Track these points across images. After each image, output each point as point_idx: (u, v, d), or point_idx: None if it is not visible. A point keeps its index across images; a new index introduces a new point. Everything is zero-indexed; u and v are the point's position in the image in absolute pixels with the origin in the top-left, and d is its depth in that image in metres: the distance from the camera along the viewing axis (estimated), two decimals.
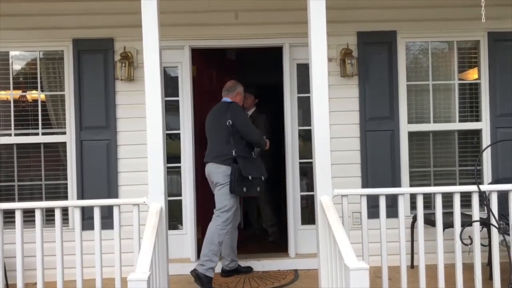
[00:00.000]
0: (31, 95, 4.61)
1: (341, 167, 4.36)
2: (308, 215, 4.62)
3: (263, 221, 5.54)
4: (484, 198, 3.19)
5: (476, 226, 3.18)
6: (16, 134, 4.55)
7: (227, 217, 3.96)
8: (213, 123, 4.20)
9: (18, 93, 4.59)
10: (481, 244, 3.24)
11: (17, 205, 3.14)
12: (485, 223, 3.61)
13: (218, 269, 4.11)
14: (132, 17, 3.92)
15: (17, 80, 4.63)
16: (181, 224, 4.66)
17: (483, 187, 3.20)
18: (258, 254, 4.66)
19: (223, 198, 3.99)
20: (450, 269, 3.21)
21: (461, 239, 3.09)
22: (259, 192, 4.09)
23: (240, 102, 4.29)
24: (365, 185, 4.50)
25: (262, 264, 4.51)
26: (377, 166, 4.54)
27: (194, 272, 3.81)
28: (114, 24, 4.44)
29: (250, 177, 3.93)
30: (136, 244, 3.01)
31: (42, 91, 4.57)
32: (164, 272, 3.00)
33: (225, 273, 4.30)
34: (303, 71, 4.64)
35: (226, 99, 4.23)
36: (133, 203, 3.07)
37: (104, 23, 4.45)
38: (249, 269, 4.41)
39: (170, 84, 4.63)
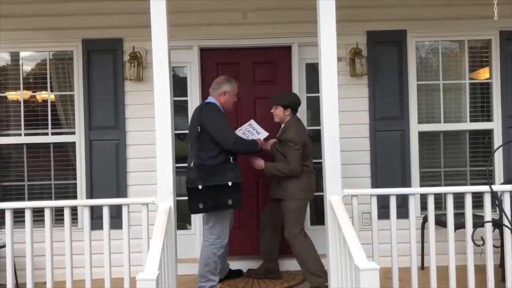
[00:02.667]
0: (41, 95, 4.63)
1: (350, 168, 4.34)
2: (317, 215, 4.59)
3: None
4: (496, 198, 3.15)
5: (489, 226, 3.14)
6: (26, 134, 4.57)
7: (217, 235, 3.69)
8: (189, 129, 3.91)
9: (28, 94, 4.62)
10: (493, 246, 3.20)
11: (27, 204, 3.16)
12: (497, 224, 3.56)
13: None
14: (141, 17, 3.92)
15: (27, 81, 4.66)
16: (190, 224, 4.66)
17: (495, 187, 3.16)
18: None
19: (206, 214, 3.80)
20: (461, 270, 3.18)
21: (473, 240, 3.05)
22: (233, 205, 3.58)
23: (226, 103, 3.83)
24: (374, 185, 4.47)
25: None
26: (387, 167, 4.51)
27: None
28: (123, 24, 4.45)
29: (200, 187, 3.46)
30: (145, 244, 3.01)
31: (51, 91, 4.59)
32: (173, 272, 2.99)
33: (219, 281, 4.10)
34: (312, 70, 4.63)
35: (208, 99, 3.84)
36: (142, 202, 3.07)
37: (113, 23, 4.46)
38: (239, 273, 4.30)
39: (178, 85, 4.63)
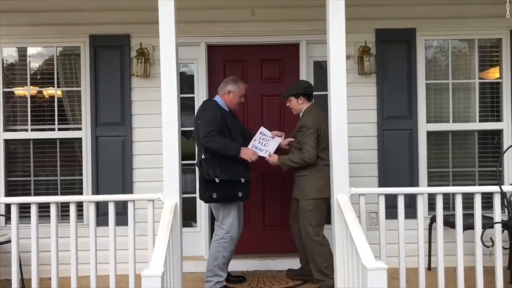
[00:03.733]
0: (48, 91, 4.63)
1: (357, 167, 4.30)
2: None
3: None
4: (505, 199, 3.11)
5: (498, 227, 3.10)
6: (32, 130, 4.58)
7: (227, 229, 3.74)
8: (194, 124, 3.99)
9: (35, 89, 4.62)
10: (502, 247, 3.16)
11: (33, 199, 3.16)
12: (506, 225, 3.52)
13: None
14: (148, 13, 3.91)
15: (34, 76, 4.66)
16: (195, 222, 4.65)
17: (505, 188, 3.11)
18: (273, 253, 4.60)
19: (214, 208, 3.86)
20: (468, 271, 3.14)
21: (482, 241, 3.01)
22: (243, 197, 3.77)
23: (230, 102, 3.91)
24: (381, 185, 4.42)
25: (276, 264, 4.47)
26: (395, 166, 4.47)
27: None
28: (130, 21, 4.44)
29: (217, 180, 3.63)
30: (150, 241, 3.00)
31: (58, 87, 4.59)
32: (178, 269, 2.97)
33: None
34: (319, 68, 4.59)
35: (215, 97, 3.97)
36: (148, 198, 3.06)
37: (120, 19, 4.45)
38: (240, 279, 4.14)
39: (185, 81, 4.63)
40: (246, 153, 3.73)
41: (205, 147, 3.66)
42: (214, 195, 3.66)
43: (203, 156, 3.70)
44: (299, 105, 3.89)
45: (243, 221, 4.06)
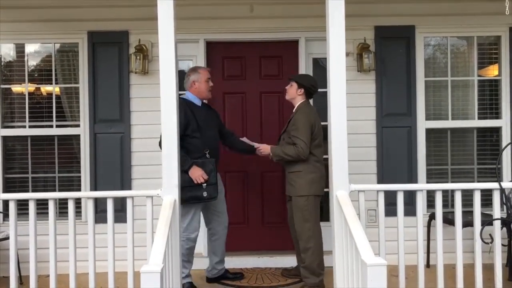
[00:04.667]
0: (46, 87, 4.61)
1: (356, 164, 4.27)
2: (321, 212, 4.55)
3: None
4: (505, 196, 3.11)
5: (497, 224, 3.10)
6: (30, 126, 4.55)
7: (184, 226, 3.60)
8: None
9: (33, 86, 4.60)
10: (501, 244, 3.16)
11: (31, 195, 3.13)
12: (506, 222, 3.53)
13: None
14: (147, 9, 3.91)
15: (32, 73, 4.64)
16: None
17: (504, 185, 3.11)
18: (271, 250, 4.60)
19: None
20: (467, 269, 3.14)
21: (481, 237, 3.01)
22: (208, 197, 3.62)
23: (199, 92, 3.79)
24: (380, 182, 4.39)
25: (274, 261, 4.47)
26: (394, 164, 4.47)
27: None
28: (129, 17, 4.43)
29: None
30: (149, 237, 2.99)
31: (56, 83, 4.57)
32: (177, 266, 2.96)
33: (208, 280, 4.03)
34: (318, 66, 4.58)
35: (185, 94, 3.84)
36: (147, 195, 3.05)
37: (119, 15, 4.43)
38: (238, 276, 4.11)
39: (183, 78, 4.59)
40: (194, 173, 3.58)
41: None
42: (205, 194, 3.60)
43: None
44: (296, 94, 3.81)
45: (224, 219, 3.94)
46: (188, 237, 3.68)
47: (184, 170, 3.50)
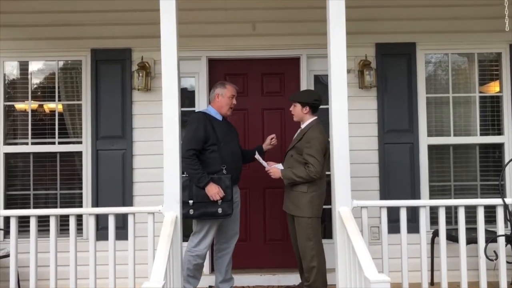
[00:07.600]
0: (49, 104, 4.64)
1: (358, 180, 4.26)
2: (324, 229, 4.53)
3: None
4: (508, 212, 3.08)
5: (501, 241, 3.07)
6: (33, 143, 4.56)
7: (196, 242, 3.61)
8: None
9: (36, 103, 4.62)
10: (506, 262, 3.12)
11: (32, 212, 3.13)
12: (510, 238, 3.49)
13: None
14: (150, 27, 3.96)
15: (35, 90, 4.67)
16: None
17: (508, 201, 3.09)
18: (274, 268, 4.55)
19: (193, 221, 3.73)
20: (472, 287, 3.10)
21: (485, 254, 2.98)
22: (223, 214, 3.54)
23: (221, 106, 3.77)
24: (383, 199, 4.38)
25: (277, 279, 4.42)
26: (396, 180, 4.45)
27: None
28: (132, 35, 4.47)
29: (190, 202, 3.49)
30: (150, 255, 2.97)
31: (59, 100, 4.60)
32: (178, 282, 2.94)
33: None
34: (320, 83, 4.61)
35: (207, 108, 3.86)
36: (148, 211, 3.04)
37: (122, 33, 4.48)
38: None
39: (186, 95, 4.63)
40: (210, 190, 3.50)
41: (182, 167, 3.47)
42: (191, 212, 3.52)
43: (184, 174, 3.55)
44: (303, 113, 3.75)
45: (235, 235, 3.89)
46: (198, 253, 3.63)
47: (200, 187, 3.50)
